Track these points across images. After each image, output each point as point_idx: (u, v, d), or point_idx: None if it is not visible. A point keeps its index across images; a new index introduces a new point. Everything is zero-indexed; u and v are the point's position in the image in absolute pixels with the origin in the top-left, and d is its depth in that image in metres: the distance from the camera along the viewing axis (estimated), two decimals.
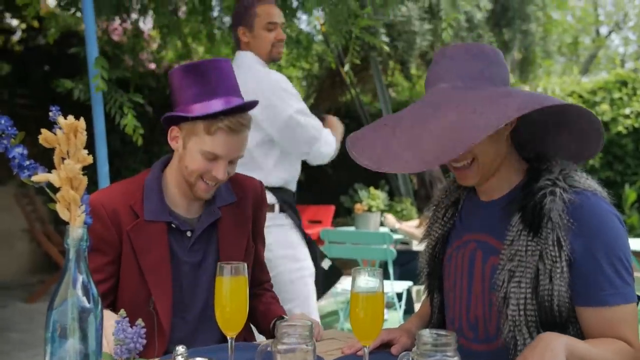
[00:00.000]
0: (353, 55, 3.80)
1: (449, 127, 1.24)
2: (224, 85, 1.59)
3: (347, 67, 3.79)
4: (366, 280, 1.18)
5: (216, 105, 1.56)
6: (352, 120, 10.00)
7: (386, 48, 4.24)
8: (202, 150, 1.57)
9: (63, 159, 0.94)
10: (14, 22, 7.14)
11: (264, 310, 1.75)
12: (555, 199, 1.29)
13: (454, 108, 1.27)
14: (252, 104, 1.63)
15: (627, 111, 8.62)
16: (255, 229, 1.78)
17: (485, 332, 1.38)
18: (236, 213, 1.71)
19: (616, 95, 8.78)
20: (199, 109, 1.56)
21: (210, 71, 1.59)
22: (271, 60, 2.68)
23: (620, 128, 8.55)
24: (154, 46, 6.62)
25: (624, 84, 8.86)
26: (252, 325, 1.82)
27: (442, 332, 1.00)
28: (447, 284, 1.48)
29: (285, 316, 1.72)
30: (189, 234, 1.64)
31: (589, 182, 1.34)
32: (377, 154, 1.32)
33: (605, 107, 8.70)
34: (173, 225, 1.63)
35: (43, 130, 0.93)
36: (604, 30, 18.28)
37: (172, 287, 1.60)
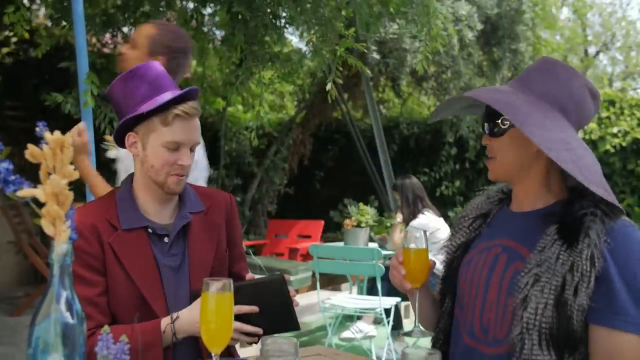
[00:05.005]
0: (336, 75, 3.83)
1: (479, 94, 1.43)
2: (163, 82, 1.66)
3: (329, 86, 3.80)
4: (415, 239, 1.51)
5: (164, 97, 1.63)
6: (343, 136, 10.06)
7: (367, 72, 4.28)
8: (163, 142, 1.63)
9: (49, 174, 0.94)
10: (5, 34, 7.12)
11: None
12: (596, 219, 1.32)
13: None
14: (196, 92, 1.70)
15: (614, 130, 8.71)
16: (231, 241, 1.82)
17: (495, 335, 1.39)
18: (206, 220, 1.76)
19: (604, 114, 8.87)
20: (149, 106, 1.61)
21: (147, 72, 1.66)
22: None
23: (608, 147, 8.63)
24: None
25: (612, 103, 8.96)
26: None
27: (427, 349, 1.00)
28: (463, 286, 1.51)
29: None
30: (166, 239, 1.68)
31: (627, 218, 1.38)
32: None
33: (593, 125, 8.78)
34: (150, 231, 1.67)
35: (29, 146, 0.93)
36: (592, 50, 18.50)
37: (163, 289, 1.63)
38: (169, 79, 1.69)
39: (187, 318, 1.56)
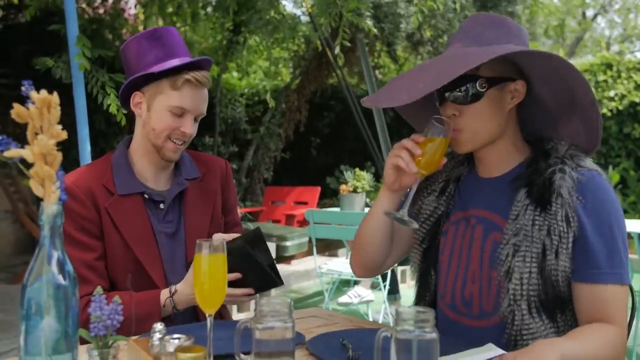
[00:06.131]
0: (343, 37, 3.77)
1: (442, 64, 1.31)
2: (178, 48, 1.65)
3: (337, 49, 3.75)
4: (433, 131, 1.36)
5: (176, 63, 1.61)
6: (338, 101, 9.99)
7: (374, 30, 4.21)
8: (169, 106, 1.61)
9: (37, 134, 0.92)
10: None
11: None
12: (565, 177, 1.31)
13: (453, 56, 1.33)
14: (209, 62, 1.69)
15: (611, 94, 8.68)
16: (226, 208, 1.82)
17: (480, 308, 1.38)
18: (201, 187, 1.75)
19: (601, 77, 8.83)
20: (160, 67, 1.60)
21: (165, 36, 1.65)
22: None
23: (604, 110, 8.61)
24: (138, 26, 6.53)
25: (609, 66, 8.90)
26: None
27: (421, 308, 1.00)
28: (441, 258, 1.48)
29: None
30: (161, 206, 1.68)
31: (592, 164, 1.37)
32: (377, 96, 1.39)
33: None
34: (146, 196, 1.66)
35: (15, 105, 0.90)
36: (590, 13, 18.31)
37: (160, 255, 1.63)
38: (184, 47, 1.68)
39: (184, 291, 1.56)
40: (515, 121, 1.42)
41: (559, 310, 1.32)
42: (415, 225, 1.43)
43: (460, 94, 1.34)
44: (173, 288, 1.57)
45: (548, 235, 1.29)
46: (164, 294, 1.58)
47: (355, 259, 1.59)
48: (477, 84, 1.33)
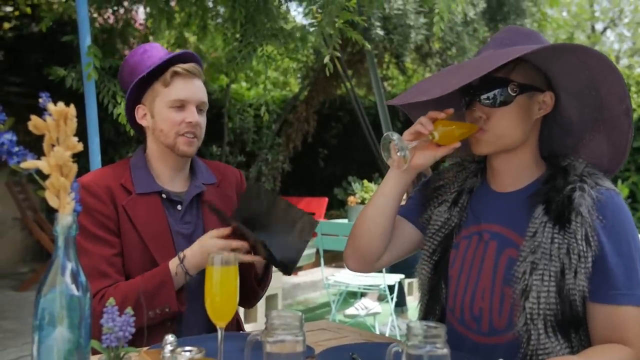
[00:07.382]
0: (334, 49, 3.80)
1: (475, 63, 1.32)
2: (162, 53, 1.71)
3: (326, 59, 3.76)
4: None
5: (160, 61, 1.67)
6: (347, 113, 10.00)
7: (367, 45, 4.23)
8: (167, 102, 1.65)
9: (53, 145, 0.93)
10: (7, 9, 7.06)
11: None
12: (585, 195, 1.29)
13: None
14: (193, 55, 1.73)
15: None
16: None
17: (490, 325, 1.36)
18: (218, 192, 1.78)
19: None
20: (147, 71, 1.65)
21: (151, 50, 1.72)
22: None
23: None
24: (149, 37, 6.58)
25: None
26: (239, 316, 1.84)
27: (432, 324, 1.00)
28: (450, 271, 1.45)
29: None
30: (179, 207, 1.70)
31: (610, 183, 1.35)
32: (406, 93, 1.39)
33: None
34: (164, 196, 1.69)
35: (33, 117, 0.92)
36: (599, 26, 18.30)
37: (176, 254, 1.63)
38: (164, 51, 1.73)
39: (194, 251, 1.57)
40: (537, 135, 1.42)
41: (574, 330, 1.30)
42: (408, 156, 1.36)
43: (488, 100, 1.34)
44: (182, 254, 1.57)
45: (567, 254, 1.27)
46: (174, 262, 1.58)
47: (350, 248, 1.53)
48: (509, 88, 1.33)
